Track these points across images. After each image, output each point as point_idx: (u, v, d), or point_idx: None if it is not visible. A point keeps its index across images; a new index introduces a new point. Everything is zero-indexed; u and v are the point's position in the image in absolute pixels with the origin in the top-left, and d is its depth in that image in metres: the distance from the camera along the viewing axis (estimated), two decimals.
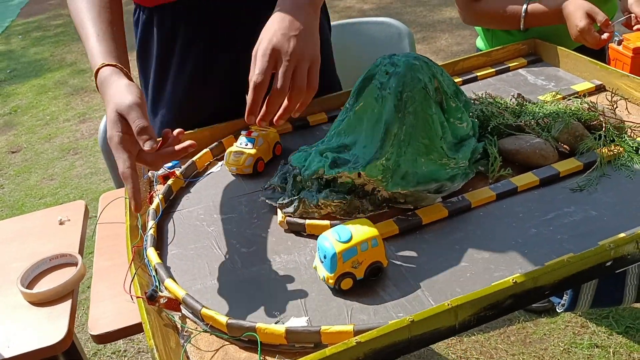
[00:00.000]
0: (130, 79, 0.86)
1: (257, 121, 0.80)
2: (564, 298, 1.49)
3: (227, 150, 1.05)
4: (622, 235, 0.75)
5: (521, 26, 1.33)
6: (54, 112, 3.97)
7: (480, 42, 1.55)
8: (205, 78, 1.19)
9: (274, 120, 0.80)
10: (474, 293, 0.68)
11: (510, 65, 1.30)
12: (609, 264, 0.74)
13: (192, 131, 1.14)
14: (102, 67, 0.86)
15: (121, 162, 0.76)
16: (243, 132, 1.06)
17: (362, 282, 0.77)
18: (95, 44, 0.90)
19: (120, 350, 1.99)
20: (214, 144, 1.12)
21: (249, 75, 0.79)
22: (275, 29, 0.79)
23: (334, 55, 1.34)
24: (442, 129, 0.91)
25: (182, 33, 1.16)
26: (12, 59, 5.00)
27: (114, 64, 0.87)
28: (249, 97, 0.78)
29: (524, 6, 1.31)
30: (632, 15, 1.27)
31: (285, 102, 0.80)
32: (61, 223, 1.03)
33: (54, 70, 4.77)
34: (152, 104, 1.23)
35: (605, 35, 1.21)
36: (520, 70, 1.30)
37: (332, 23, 1.37)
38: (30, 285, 0.88)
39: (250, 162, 1.02)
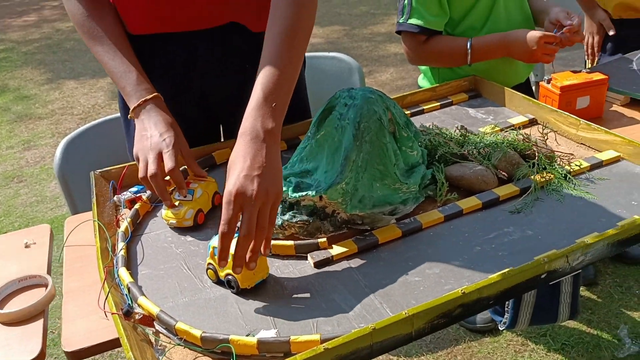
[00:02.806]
0: (165, 110, 1.07)
1: (233, 269, 0.83)
2: (505, 316, 1.59)
3: (164, 204, 1.01)
4: (554, 251, 0.85)
5: (468, 61, 1.44)
6: None
7: (422, 81, 1.66)
8: (180, 102, 1.24)
9: (247, 265, 0.82)
10: (427, 303, 0.76)
11: (453, 99, 1.42)
12: (543, 276, 0.84)
13: None
14: (143, 102, 1.05)
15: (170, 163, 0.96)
16: None
17: (325, 296, 0.84)
18: (131, 79, 1.08)
19: None
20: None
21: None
22: (238, 171, 0.82)
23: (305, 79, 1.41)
24: (395, 156, 1.00)
25: (159, 60, 1.22)
26: None
27: (153, 96, 1.06)
28: (218, 245, 0.81)
29: (468, 43, 1.43)
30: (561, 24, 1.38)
31: (252, 242, 0.82)
32: (27, 246, 1.05)
33: None
34: (126, 119, 1.26)
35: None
36: (462, 104, 1.42)
37: None
38: (1, 305, 0.89)
39: (190, 215, 1.00)
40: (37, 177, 3.31)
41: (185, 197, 1.01)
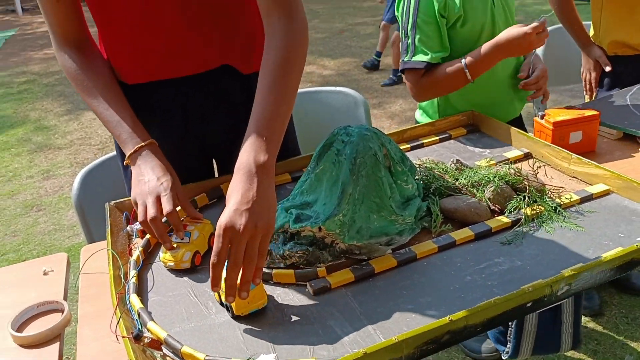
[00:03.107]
0: (160, 155, 1.12)
1: (225, 299, 0.89)
2: (507, 346, 1.62)
3: (163, 246, 1.05)
4: (539, 281, 0.90)
5: (469, 77, 1.49)
6: (17, 169, 3.99)
7: (420, 117, 1.73)
8: (176, 145, 1.30)
9: (239, 294, 0.87)
10: (416, 330, 0.81)
11: (452, 133, 1.48)
12: (529, 305, 0.88)
13: None
14: (139, 148, 1.10)
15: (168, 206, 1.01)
16: None
17: (322, 322, 0.89)
18: (125, 127, 1.13)
19: None
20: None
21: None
22: (230, 205, 0.87)
23: (294, 121, 1.48)
24: (391, 189, 1.06)
25: (154, 106, 1.29)
26: None
27: (148, 142, 1.11)
28: (210, 274, 0.87)
29: (463, 61, 1.49)
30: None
31: (241, 272, 0.88)
32: (45, 273, 1.11)
33: (17, 127, 4.80)
34: (123, 165, 1.33)
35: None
36: (460, 138, 1.47)
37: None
38: (19, 329, 0.96)
39: (188, 257, 1.03)
40: (55, 206, 3.41)
41: (182, 239, 1.05)
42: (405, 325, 0.88)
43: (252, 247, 0.87)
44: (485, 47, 1.48)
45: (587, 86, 1.93)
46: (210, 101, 1.31)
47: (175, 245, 1.04)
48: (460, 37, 1.53)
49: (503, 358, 1.66)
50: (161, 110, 1.30)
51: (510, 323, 1.52)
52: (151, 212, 1.00)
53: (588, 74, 1.92)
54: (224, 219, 0.87)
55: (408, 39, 1.53)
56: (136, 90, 1.25)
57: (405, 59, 1.54)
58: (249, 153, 0.92)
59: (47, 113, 5.10)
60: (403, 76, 1.60)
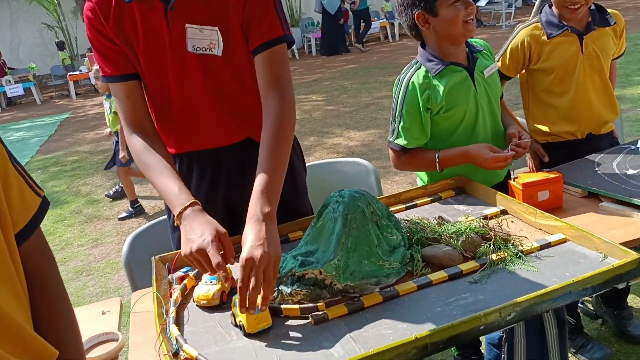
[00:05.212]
0: (202, 213, 1.31)
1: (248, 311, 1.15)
2: None
3: (195, 290, 1.32)
4: (492, 308, 1.12)
5: (438, 169, 1.78)
6: (69, 238, 4.37)
7: (418, 180, 2.00)
8: (208, 209, 1.54)
9: (261, 307, 1.16)
10: (388, 345, 1.04)
11: (442, 195, 1.74)
12: (482, 327, 1.11)
13: None
14: (184, 209, 1.31)
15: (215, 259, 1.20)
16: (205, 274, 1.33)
17: (319, 344, 1.13)
18: (174, 192, 1.36)
19: None
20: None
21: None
22: (248, 244, 1.16)
23: (307, 188, 1.76)
24: (378, 240, 1.31)
25: (196, 171, 1.61)
26: None
27: (190, 203, 1.32)
28: (238, 297, 1.14)
29: (437, 154, 1.78)
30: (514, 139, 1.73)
31: (262, 292, 1.15)
32: (103, 313, 1.39)
33: (70, 201, 5.25)
34: (172, 225, 1.63)
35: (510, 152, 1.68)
36: (449, 199, 1.73)
37: (316, 161, 1.83)
38: (86, 352, 1.22)
39: (217, 296, 1.29)
40: (102, 271, 3.73)
41: (212, 274, 1.30)
42: (383, 343, 1.11)
43: (268, 271, 1.15)
44: (456, 150, 1.77)
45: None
46: (237, 168, 1.61)
47: (206, 287, 1.32)
48: (445, 122, 1.80)
49: None
50: (199, 177, 1.61)
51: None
52: (214, 261, 1.20)
53: (530, 162, 2.17)
54: (244, 254, 1.16)
55: (394, 123, 1.82)
56: (180, 160, 1.57)
57: (390, 139, 1.85)
58: (256, 206, 1.23)
59: (97, 188, 5.56)
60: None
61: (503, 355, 1.70)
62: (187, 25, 1.41)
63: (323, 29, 12.84)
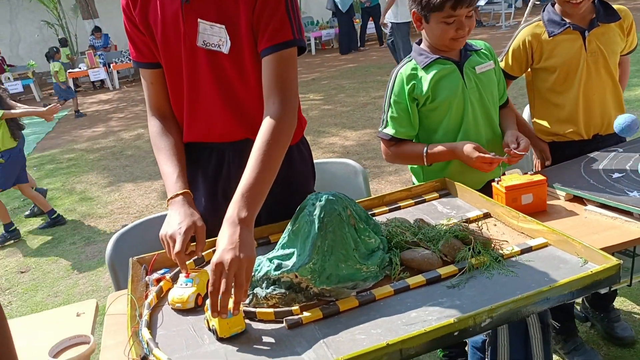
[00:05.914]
0: (190, 204, 1.39)
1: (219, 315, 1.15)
2: None
3: (170, 292, 1.30)
4: (466, 315, 1.10)
5: (425, 163, 1.80)
6: (62, 236, 4.36)
7: (413, 177, 1.99)
8: (213, 195, 1.61)
9: (233, 312, 1.14)
10: (359, 351, 1.02)
11: (426, 197, 1.72)
12: (456, 333, 1.09)
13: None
14: (174, 196, 1.39)
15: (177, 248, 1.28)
16: (182, 275, 1.33)
17: (291, 349, 1.11)
18: (172, 179, 1.45)
19: None
20: (193, 258, 1.49)
21: None
22: (220, 247, 1.16)
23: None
24: (355, 243, 1.29)
25: (200, 162, 1.61)
26: None
27: (182, 192, 1.40)
28: (209, 301, 1.13)
29: (425, 149, 1.80)
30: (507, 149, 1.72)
31: (234, 296, 1.13)
32: (78, 315, 1.37)
33: (64, 199, 5.24)
34: None
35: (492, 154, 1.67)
36: (433, 202, 1.71)
37: None
38: (56, 356, 1.21)
39: (192, 299, 1.28)
40: (94, 269, 3.72)
41: (187, 276, 1.32)
42: (356, 349, 1.09)
43: (239, 275, 1.13)
44: (445, 146, 1.77)
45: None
46: (237, 163, 1.59)
47: (181, 289, 1.30)
48: (431, 113, 1.81)
49: None
50: (203, 168, 1.62)
51: None
52: (176, 249, 1.28)
53: (536, 161, 2.16)
54: (215, 258, 1.14)
55: (384, 114, 1.86)
56: (189, 149, 1.59)
57: (379, 129, 1.88)
58: (233, 209, 1.21)
59: (91, 185, 5.54)
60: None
61: (486, 359, 1.68)
62: (199, 20, 1.44)
63: (340, 28, 12.71)
